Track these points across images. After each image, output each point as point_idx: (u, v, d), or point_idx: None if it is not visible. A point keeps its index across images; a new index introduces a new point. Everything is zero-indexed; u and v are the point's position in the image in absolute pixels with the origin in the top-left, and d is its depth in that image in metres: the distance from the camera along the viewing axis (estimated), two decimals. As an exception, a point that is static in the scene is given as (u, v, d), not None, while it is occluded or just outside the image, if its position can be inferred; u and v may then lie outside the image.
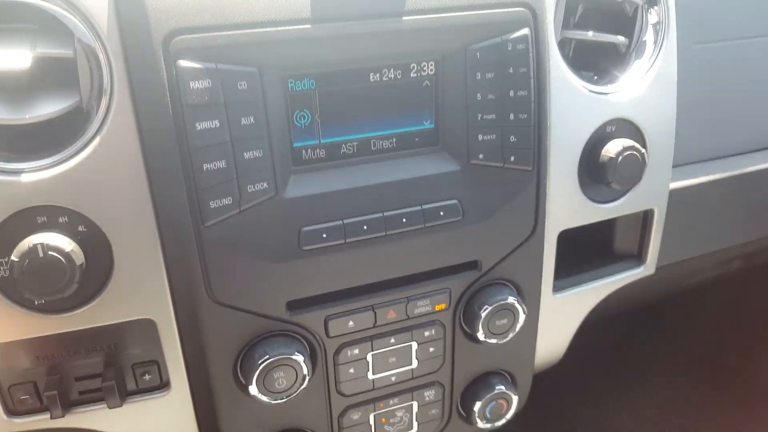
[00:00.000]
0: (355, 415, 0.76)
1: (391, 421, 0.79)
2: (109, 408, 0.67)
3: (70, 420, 0.68)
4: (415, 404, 0.79)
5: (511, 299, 0.74)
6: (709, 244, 0.98)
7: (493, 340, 0.76)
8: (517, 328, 0.76)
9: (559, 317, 0.87)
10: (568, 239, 0.83)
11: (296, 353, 0.66)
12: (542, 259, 0.78)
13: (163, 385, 0.70)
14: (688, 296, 1.45)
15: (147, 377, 0.69)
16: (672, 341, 1.57)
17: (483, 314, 0.73)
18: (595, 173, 0.78)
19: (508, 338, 0.77)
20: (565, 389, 1.48)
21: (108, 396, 0.66)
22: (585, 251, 0.94)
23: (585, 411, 1.48)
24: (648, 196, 0.84)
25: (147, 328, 0.66)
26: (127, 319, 0.65)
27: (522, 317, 0.76)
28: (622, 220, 0.89)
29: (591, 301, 0.90)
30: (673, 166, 0.88)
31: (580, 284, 0.88)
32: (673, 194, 0.88)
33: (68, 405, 0.67)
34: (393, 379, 0.76)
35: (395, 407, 0.78)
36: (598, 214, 0.83)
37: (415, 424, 0.81)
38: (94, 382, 0.66)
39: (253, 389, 0.66)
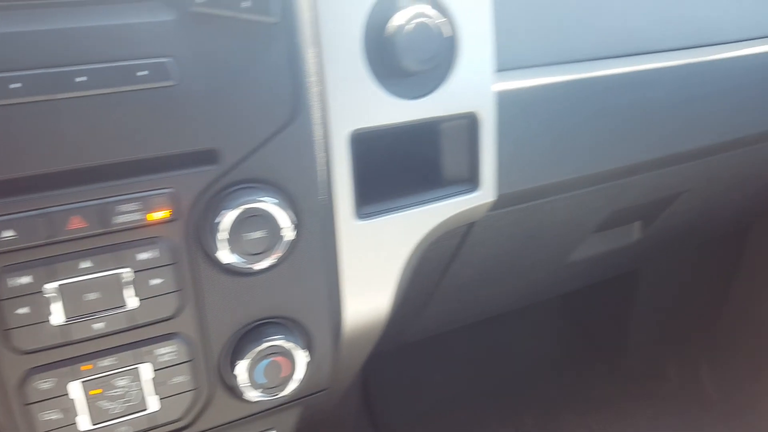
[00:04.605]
0: (45, 384, 0.52)
1: (111, 394, 0.55)
2: None
3: None
4: (146, 368, 0.56)
5: (267, 201, 0.54)
6: (561, 169, 0.81)
7: (249, 265, 0.55)
8: (281, 248, 0.55)
9: (371, 252, 0.67)
10: (391, 158, 0.66)
11: None
12: (314, 158, 0.58)
13: None
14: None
15: None
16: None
17: (221, 222, 0.53)
18: (383, 52, 0.61)
19: (268, 263, 0.56)
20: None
21: None
22: (419, 179, 0.76)
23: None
24: (466, 94, 0.67)
25: None
26: None
27: (289, 229, 0.55)
28: (447, 132, 0.71)
29: (415, 233, 0.70)
30: (507, 69, 0.73)
31: (395, 209, 0.69)
32: (504, 98, 0.71)
33: None
34: (98, 327, 0.53)
35: (112, 372, 0.55)
36: (404, 112, 0.65)
37: (152, 399, 0.57)
38: None
39: None
